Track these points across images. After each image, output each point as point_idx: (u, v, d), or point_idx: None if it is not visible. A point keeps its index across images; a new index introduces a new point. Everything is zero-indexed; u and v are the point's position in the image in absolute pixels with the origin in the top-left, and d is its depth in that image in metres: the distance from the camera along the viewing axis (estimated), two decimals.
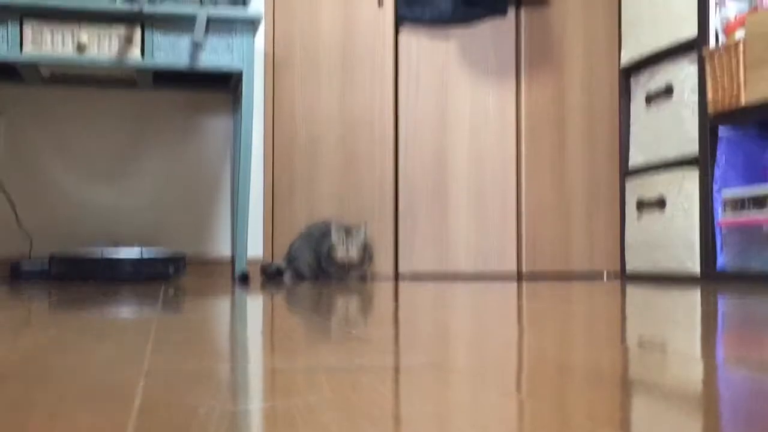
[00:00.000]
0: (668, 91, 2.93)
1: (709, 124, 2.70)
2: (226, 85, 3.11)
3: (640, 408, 0.50)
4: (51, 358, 0.73)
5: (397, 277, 3.19)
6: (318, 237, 2.94)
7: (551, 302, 1.55)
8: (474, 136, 3.27)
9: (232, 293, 1.90)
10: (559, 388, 0.57)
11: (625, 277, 3.22)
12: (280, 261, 3.00)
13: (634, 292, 2.03)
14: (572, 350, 0.78)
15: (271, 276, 2.94)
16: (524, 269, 3.28)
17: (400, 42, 3.24)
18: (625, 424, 0.45)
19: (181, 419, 0.46)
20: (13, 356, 0.74)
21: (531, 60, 3.32)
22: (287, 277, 2.95)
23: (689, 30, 2.82)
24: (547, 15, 3.35)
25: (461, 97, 3.27)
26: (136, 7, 2.55)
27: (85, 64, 2.58)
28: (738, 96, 2.51)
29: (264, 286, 2.19)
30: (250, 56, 2.68)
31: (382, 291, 2.04)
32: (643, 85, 3.12)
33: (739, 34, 2.55)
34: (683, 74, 2.86)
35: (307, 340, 0.88)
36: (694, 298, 1.73)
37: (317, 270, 2.95)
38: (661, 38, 2.96)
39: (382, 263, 3.18)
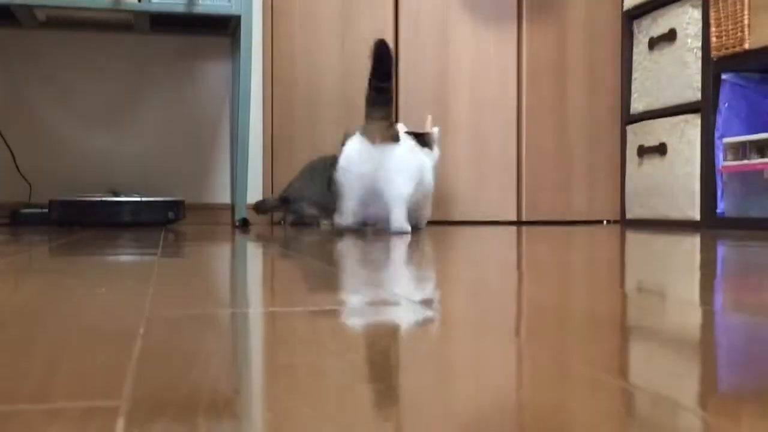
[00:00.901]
0: (671, 35, 2.90)
1: (712, 70, 2.67)
2: (224, 30, 3.08)
3: (639, 353, 0.50)
4: (51, 303, 0.73)
5: None
6: (324, 169, 2.84)
7: (550, 247, 1.55)
8: (474, 82, 3.24)
9: (232, 239, 1.91)
10: (559, 333, 0.57)
11: (625, 223, 3.22)
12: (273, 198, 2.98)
13: (633, 237, 2.03)
14: (571, 295, 0.78)
15: (265, 211, 2.93)
16: (524, 217, 3.29)
17: None
18: (623, 369, 0.45)
19: (181, 365, 0.46)
20: (13, 301, 0.74)
21: (532, 5, 3.27)
22: (289, 222, 2.95)
23: None
24: None
25: (462, 43, 3.24)
26: None
27: (81, 7, 2.55)
28: (742, 40, 2.49)
29: (263, 239, 2.19)
30: (247, 0, 2.65)
31: (382, 236, 2.05)
32: (646, 29, 3.09)
33: None
34: (687, 18, 2.83)
35: (307, 285, 0.88)
36: (693, 244, 1.73)
37: (326, 207, 2.91)
38: None
39: None
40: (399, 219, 2.26)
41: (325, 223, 2.96)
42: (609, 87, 3.36)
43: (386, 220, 2.30)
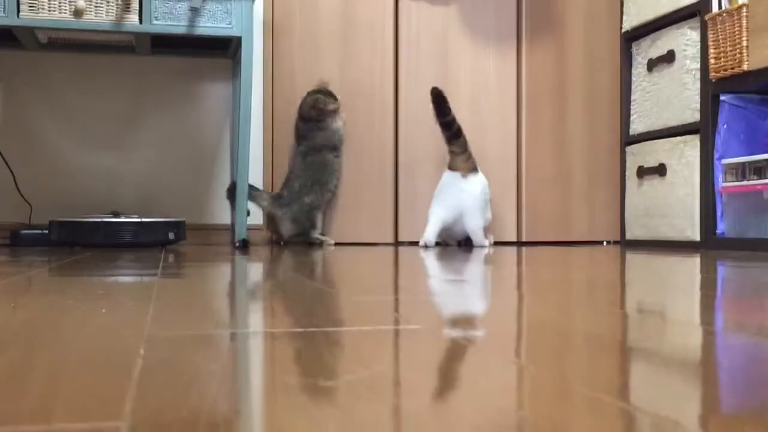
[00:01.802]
0: (670, 57, 2.91)
1: (711, 91, 2.68)
2: (225, 51, 3.09)
3: (640, 374, 0.50)
4: (51, 324, 0.73)
5: (396, 243, 3.19)
6: (310, 164, 2.99)
7: (550, 268, 1.55)
8: (474, 104, 3.25)
9: (232, 260, 1.90)
10: (560, 354, 0.57)
11: (625, 243, 3.22)
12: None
13: (633, 258, 2.03)
14: (572, 316, 0.78)
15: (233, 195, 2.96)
16: (524, 238, 3.28)
17: (400, 7, 3.21)
18: (624, 389, 0.45)
19: (181, 385, 0.46)
20: (13, 322, 0.74)
21: (532, 26, 3.29)
22: (287, 233, 2.97)
23: None
24: None
25: (462, 64, 3.25)
26: None
27: (82, 29, 2.57)
28: (740, 62, 2.50)
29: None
30: (248, 22, 2.66)
31: (382, 257, 2.05)
32: (645, 51, 3.10)
33: None
34: (685, 40, 2.84)
35: (305, 306, 0.88)
36: (693, 264, 1.73)
37: (319, 206, 2.98)
38: (663, 3, 2.94)
39: (383, 231, 3.18)
40: (479, 240, 2.95)
41: (326, 241, 2.97)
42: (608, 108, 3.37)
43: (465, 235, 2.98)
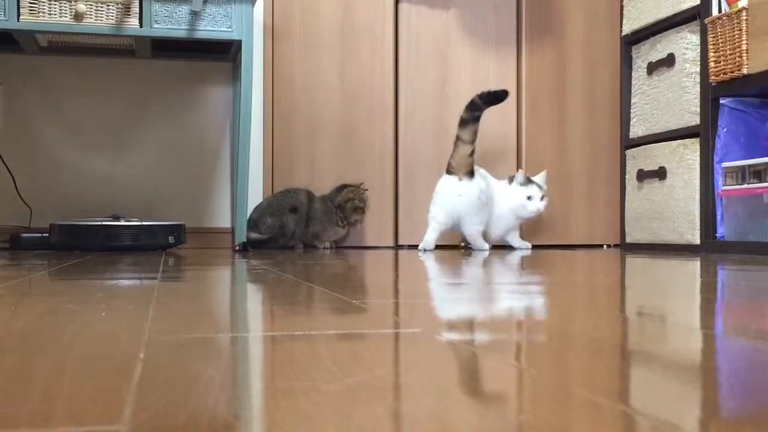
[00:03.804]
0: (670, 60, 2.91)
1: (711, 94, 2.68)
2: (225, 55, 3.09)
3: (640, 377, 0.50)
4: (51, 327, 0.73)
5: (397, 246, 3.19)
6: (298, 206, 2.99)
7: (550, 271, 1.55)
8: None
9: (232, 263, 1.90)
10: (560, 357, 0.57)
11: (625, 247, 3.22)
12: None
13: (633, 261, 2.03)
14: (572, 319, 0.78)
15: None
16: None
17: (400, 11, 3.21)
18: (624, 393, 0.45)
19: (181, 389, 0.46)
20: (13, 326, 0.74)
21: (532, 29, 3.29)
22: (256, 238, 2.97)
23: None
24: None
25: (461, 67, 3.25)
26: None
27: (83, 33, 2.57)
28: (740, 65, 2.50)
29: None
30: (249, 26, 2.66)
31: (382, 261, 2.05)
32: (645, 54, 3.10)
33: (742, 2, 2.53)
34: (685, 44, 2.84)
35: (307, 308, 0.88)
36: (693, 268, 1.73)
37: (296, 235, 2.98)
38: (664, 7, 2.94)
39: (382, 233, 3.18)
40: (478, 244, 2.94)
41: (299, 247, 3.00)
42: (608, 111, 3.37)
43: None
